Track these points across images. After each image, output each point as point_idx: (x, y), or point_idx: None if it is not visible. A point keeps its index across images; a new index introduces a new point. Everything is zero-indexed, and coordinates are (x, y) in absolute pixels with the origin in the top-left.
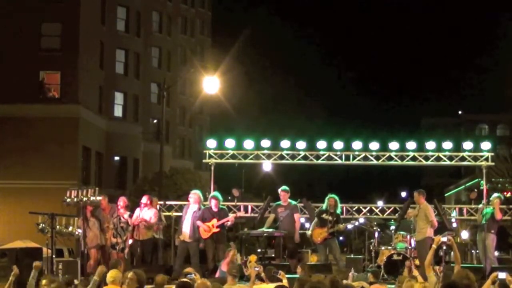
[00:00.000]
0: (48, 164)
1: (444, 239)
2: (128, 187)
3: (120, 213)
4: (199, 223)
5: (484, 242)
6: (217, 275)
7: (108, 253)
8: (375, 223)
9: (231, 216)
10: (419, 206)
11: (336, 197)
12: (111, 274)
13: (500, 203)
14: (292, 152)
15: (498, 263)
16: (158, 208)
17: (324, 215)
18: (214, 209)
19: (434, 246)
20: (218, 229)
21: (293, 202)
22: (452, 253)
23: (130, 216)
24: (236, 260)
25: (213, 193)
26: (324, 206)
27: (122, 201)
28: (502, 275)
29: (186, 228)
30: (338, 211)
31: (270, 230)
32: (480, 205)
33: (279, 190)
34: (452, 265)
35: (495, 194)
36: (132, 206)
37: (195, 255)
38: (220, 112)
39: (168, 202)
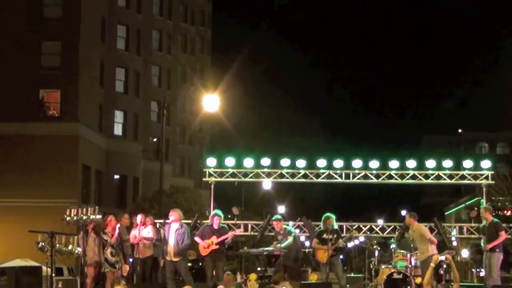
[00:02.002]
0: (48, 183)
1: (442, 257)
2: (128, 205)
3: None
4: (197, 239)
5: (490, 261)
6: None
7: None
8: (375, 241)
9: (230, 233)
10: (411, 228)
11: (333, 216)
12: None
13: (489, 211)
14: (292, 170)
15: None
16: (158, 226)
17: (324, 235)
18: (215, 227)
19: (432, 264)
20: (217, 246)
21: (288, 228)
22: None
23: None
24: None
25: (216, 211)
26: (322, 226)
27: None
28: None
29: (171, 246)
30: (335, 227)
31: (270, 248)
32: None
33: (272, 220)
34: (452, 283)
35: (483, 206)
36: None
37: (186, 273)
38: (220, 131)
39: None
